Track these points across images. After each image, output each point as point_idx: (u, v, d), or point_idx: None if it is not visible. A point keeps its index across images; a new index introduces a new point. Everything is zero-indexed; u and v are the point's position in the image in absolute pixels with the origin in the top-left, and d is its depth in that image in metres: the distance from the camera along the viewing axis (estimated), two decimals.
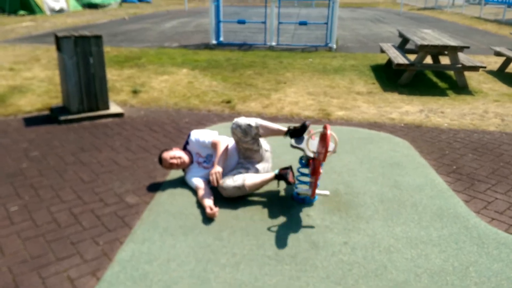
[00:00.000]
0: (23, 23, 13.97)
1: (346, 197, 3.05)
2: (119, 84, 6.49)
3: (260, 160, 3.21)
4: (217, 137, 3.39)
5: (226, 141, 3.27)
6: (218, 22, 10.32)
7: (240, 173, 3.04)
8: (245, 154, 3.17)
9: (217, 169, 3.02)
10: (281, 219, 2.77)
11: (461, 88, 6.63)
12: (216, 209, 2.78)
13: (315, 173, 2.61)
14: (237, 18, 13.52)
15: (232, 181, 2.92)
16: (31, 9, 16.51)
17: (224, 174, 3.20)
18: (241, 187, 2.89)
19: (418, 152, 4.07)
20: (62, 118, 4.69)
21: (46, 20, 15.23)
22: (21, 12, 16.27)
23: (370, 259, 2.37)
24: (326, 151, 2.44)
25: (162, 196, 3.06)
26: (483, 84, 6.93)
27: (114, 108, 5.09)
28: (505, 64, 7.88)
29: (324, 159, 2.48)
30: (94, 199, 3.06)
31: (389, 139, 4.38)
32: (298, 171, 3.01)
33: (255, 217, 2.80)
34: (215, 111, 5.32)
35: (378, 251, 2.44)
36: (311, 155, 2.76)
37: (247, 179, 2.93)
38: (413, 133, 4.64)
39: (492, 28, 14.97)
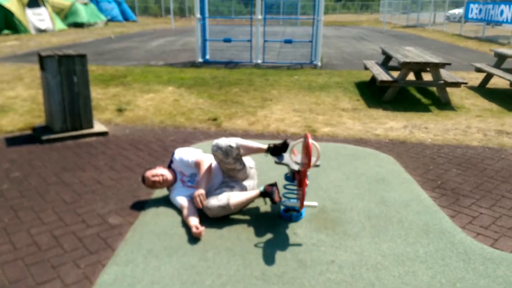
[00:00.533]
0: (7, 42, 13.87)
1: (333, 214, 3.04)
2: (104, 102, 6.44)
3: (245, 178, 3.19)
4: (201, 156, 3.37)
5: (210, 160, 3.25)
6: (204, 40, 10.39)
7: (225, 192, 3.01)
8: (229, 174, 3.15)
9: (200, 191, 2.99)
10: (268, 237, 2.74)
11: (443, 104, 6.74)
12: (202, 228, 2.73)
13: (301, 184, 2.60)
14: (223, 37, 13.65)
15: (217, 201, 2.89)
16: (16, 29, 16.41)
17: (209, 193, 3.17)
18: (225, 206, 2.86)
19: (403, 167, 4.10)
20: (45, 137, 4.61)
21: (31, 39, 15.15)
22: (6, 31, 16.17)
23: (358, 278, 2.34)
24: (310, 158, 2.46)
25: (146, 216, 3.00)
26: (465, 100, 7.07)
27: (98, 127, 5.04)
28: (485, 80, 8.07)
29: (309, 166, 2.48)
30: (76, 221, 2.99)
31: (375, 155, 4.41)
32: (285, 188, 3.00)
33: (241, 236, 2.76)
34: (201, 129, 5.31)
35: (365, 269, 2.41)
36: (296, 167, 2.76)
37: (231, 197, 2.90)
38: (397, 148, 4.68)
39: (472, 45, 15.39)
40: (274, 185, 2.96)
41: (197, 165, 3.27)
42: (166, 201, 3.25)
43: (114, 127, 5.28)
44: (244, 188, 3.11)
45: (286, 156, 3.01)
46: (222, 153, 2.98)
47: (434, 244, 2.68)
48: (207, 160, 3.29)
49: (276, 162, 2.95)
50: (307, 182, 2.67)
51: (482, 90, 7.89)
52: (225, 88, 7.63)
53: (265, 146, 3.08)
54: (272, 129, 5.34)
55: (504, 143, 4.94)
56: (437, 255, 2.56)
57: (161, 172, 3.31)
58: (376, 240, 2.71)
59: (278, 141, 3.19)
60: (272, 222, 2.92)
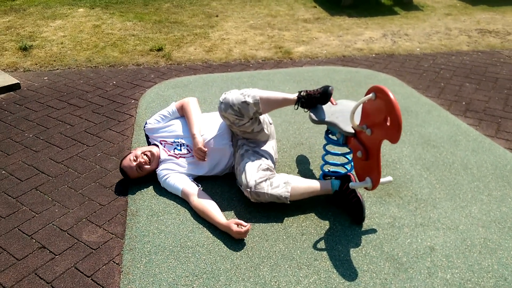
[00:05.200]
0: None
1: (383, 171, 2.34)
2: None
3: (266, 139, 2.29)
4: (178, 102, 2.45)
5: (194, 100, 2.40)
6: None
7: (265, 163, 2.10)
8: (244, 136, 2.22)
9: (198, 143, 2.16)
10: (325, 227, 1.99)
11: (405, 3, 6.10)
12: (247, 226, 1.87)
13: (372, 156, 1.80)
14: None
15: (269, 186, 1.98)
16: None
17: (219, 165, 2.26)
18: (281, 198, 1.98)
19: (413, 88, 3.47)
20: None
21: None
22: None
23: (479, 270, 1.71)
24: (397, 122, 1.59)
25: (137, 221, 2.03)
26: None
27: (3, 79, 3.59)
28: None
29: (397, 135, 1.61)
30: (30, 249, 1.93)
31: (374, 76, 3.70)
32: (325, 150, 2.17)
33: (290, 229, 1.96)
34: (147, 65, 4.09)
35: (478, 252, 1.78)
36: (350, 130, 1.92)
37: (293, 186, 1.99)
38: (391, 64, 4.01)
39: None
40: (349, 177, 2.08)
41: (180, 111, 2.39)
42: (155, 187, 2.27)
43: (24, 75, 3.84)
44: (271, 156, 2.21)
45: (325, 107, 2.11)
46: (234, 114, 2.02)
47: None
48: (191, 99, 2.40)
49: (313, 121, 2.05)
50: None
51: None
52: (152, 3, 6.14)
53: (293, 96, 2.15)
54: (236, 55, 4.30)
55: (493, 44, 4.52)
56: None
57: (141, 149, 2.28)
58: (458, 202, 2.09)
59: (310, 89, 2.19)
60: (317, 202, 2.13)
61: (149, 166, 2.23)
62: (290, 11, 5.82)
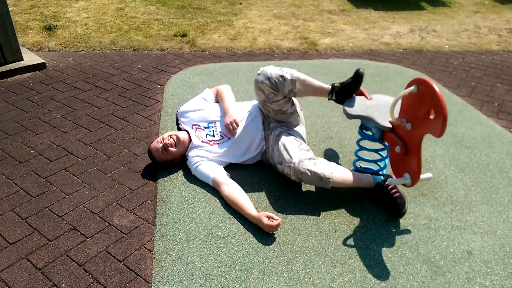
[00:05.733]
0: None
1: None
2: (22, 18, 4.72)
3: (297, 124, 2.27)
4: (213, 88, 2.56)
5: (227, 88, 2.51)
6: None
7: (291, 140, 2.08)
8: (276, 118, 2.20)
9: (231, 115, 2.24)
10: (358, 226, 1.96)
11: None
12: (278, 219, 1.83)
13: (412, 152, 1.75)
14: None
15: (313, 165, 1.93)
16: None
17: (249, 150, 2.25)
18: (324, 179, 1.91)
19: (444, 87, 3.40)
20: None
21: None
22: None
23: None
24: (442, 115, 1.52)
25: (167, 208, 2.02)
26: None
27: (29, 57, 3.58)
28: None
29: (442, 128, 1.54)
30: (61, 230, 1.92)
31: (402, 72, 3.62)
32: (359, 145, 2.13)
33: (323, 225, 1.94)
34: (171, 50, 4.06)
35: None
36: (388, 125, 1.87)
37: (335, 171, 1.95)
38: (419, 60, 3.93)
39: None
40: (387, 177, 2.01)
41: (215, 96, 2.49)
42: (186, 173, 2.25)
43: (49, 55, 3.83)
44: (304, 140, 2.19)
45: (359, 102, 2.07)
46: (270, 86, 2.02)
47: None
48: (225, 86, 2.51)
49: (348, 115, 2.00)
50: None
51: None
52: None
53: (328, 86, 2.13)
54: (261, 44, 4.24)
55: None
56: None
57: (169, 133, 2.27)
58: (495, 206, 2.04)
59: (342, 80, 2.18)
60: (349, 198, 2.09)
61: (174, 149, 2.20)
62: (315, 2, 5.72)
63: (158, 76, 3.46)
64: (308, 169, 1.90)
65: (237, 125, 2.19)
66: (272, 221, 1.82)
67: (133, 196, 2.09)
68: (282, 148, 2.02)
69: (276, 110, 2.13)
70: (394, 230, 1.89)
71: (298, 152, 1.97)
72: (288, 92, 2.06)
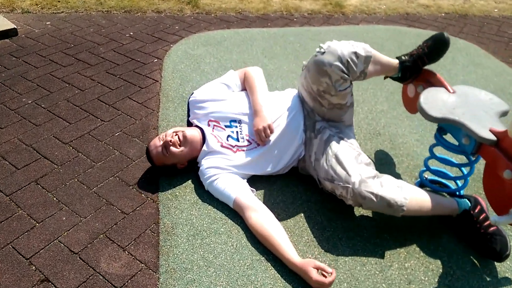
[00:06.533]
0: None
1: None
2: None
3: (351, 123, 1.70)
4: (239, 71, 1.89)
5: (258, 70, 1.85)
6: None
7: (346, 148, 1.51)
8: (328, 116, 1.62)
9: (265, 118, 1.62)
10: (437, 275, 1.44)
11: None
12: (332, 274, 1.29)
13: None
14: None
15: (380, 186, 1.38)
16: None
17: (283, 158, 1.68)
18: (395, 206, 1.36)
19: (503, 62, 2.80)
20: None
21: None
22: None
23: None
24: None
25: (174, 243, 1.49)
26: None
27: None
28: None
29: None
30: (29, 283, 1.40)
31: (451, 43, 2.99)
32: (432, 153, 1.57)
33: (391, 272, 1.42)
34: (170, 12, 3.39)
35: None
36: (490, 136, 1.31)
37: (408, 194, 1.39)
38: (466, 28, 3.30)
39: None
40: (476, 199, 1.49)
41: (243, 81, 1.83)
42: (194, 191, 1.71)
43: (22, 18, 3.16)
44: (359, 147, 1.61)
45: (439, 96, 1.49)
46: (341, 70, 1.44)
47: None
48: (256, 68, 1.85)
49: (428, 117, 1.41)
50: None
51: None
52: None
53: (395, 60, 1.60)
54: (277, 6, 3.57)
55: None
56: None
57: (174, 129, 1.70)
58: None
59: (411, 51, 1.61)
60: (420, 228, 1.56)
61: (178, 150, 1.64)
62: None
63: (154, 47, 2.82)
64: (373, 193, 1.35)
65: (272, 132, 1.61)
66: (323, 275, 1.29)
67: (127, 224, 1.55)
68: (333, 160, 1.46)
69: (333, 104, 1.56)
70: (489, 279, 1.38)
71: (357, 167, 1.42)
72: (360, 75, 1.49)
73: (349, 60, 1.43)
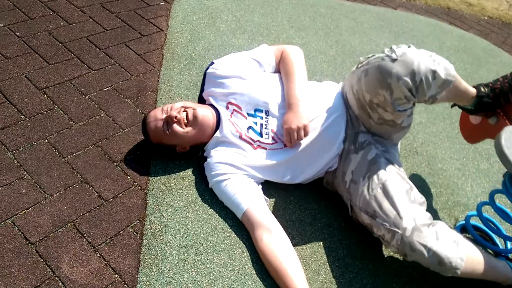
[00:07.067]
0: None
1: None
2: None
3: (397, 142, 1.38)
4: (275, 47, 1.50)
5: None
6: None
7: (396, 180, 1.19)
8: (374, 129, 1.30)
9: (302, 116, 1.27)
10: None
11: None
12: None
13: None
14: None
15: (435, 238, 1.08)
16: None
17: (311, 167, 1.35)
18: (447, 266, 1.07)
19: None
20: None
21: None
22: None
23: None
24: None
25: (160, 254, 1.18)
26: None
27: None
28: None
29: None
30: None
31: (496, 55, 2.69)
32: (492, 200, 1.29)
33: None
34: None
35: None
36: None
37: (464, 252, 1.10)
38: (510, 38, 2.99)
39: None
40: None
41: (279, 61, 1.45)
42: (194, 185, 1.37)
43: None
44: (402, 170, 1.30)
45: None
46: (408, 88, 1.10)
47: None
48: (295, 49, 1.47)
49: (509, 165, 1.11)
50: None
51: None
52: None
53: (473, 89, 1.27)
54: None
55: None
56: None
57: (183, 103, 1.34)
58: None
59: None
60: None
61: (183, 130, 1.30)
62: None
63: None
64: (426, 246, 1.07)
65: (307, 135, 1.27)
66: None
67: (104, 214, 1.21)
68: (380, 191, 1.16)
69: (384, 120, 1.23)
70: None
71: (410, 208, 1.12)
72: (428, 99, 1.14)
73: (423, 79, 1.08)
